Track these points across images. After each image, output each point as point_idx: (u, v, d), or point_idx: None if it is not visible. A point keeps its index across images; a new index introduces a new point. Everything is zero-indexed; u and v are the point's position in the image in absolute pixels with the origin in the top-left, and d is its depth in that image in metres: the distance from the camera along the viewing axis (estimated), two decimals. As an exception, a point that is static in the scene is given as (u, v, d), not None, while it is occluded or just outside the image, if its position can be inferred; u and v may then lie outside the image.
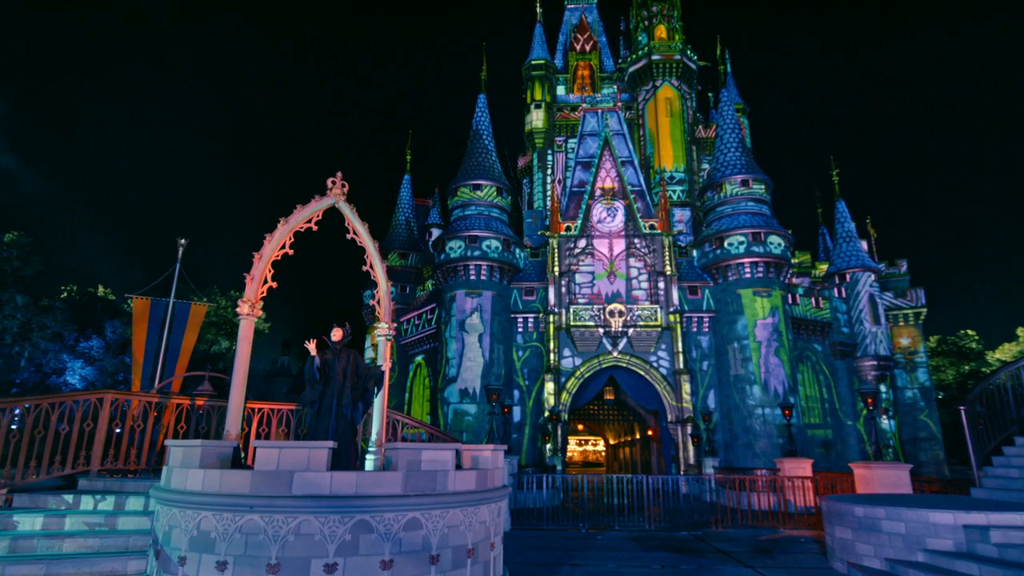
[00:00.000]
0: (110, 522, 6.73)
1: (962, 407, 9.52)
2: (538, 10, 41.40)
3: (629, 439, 40.12)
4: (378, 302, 9.12)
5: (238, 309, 7.91)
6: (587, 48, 41.54)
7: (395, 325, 9.35)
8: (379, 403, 8.67)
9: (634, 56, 38.93)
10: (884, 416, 30.73)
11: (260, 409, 10.58)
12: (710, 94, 43.46)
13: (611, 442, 47.96)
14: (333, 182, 9.04)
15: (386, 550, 5.20)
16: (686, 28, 40.12)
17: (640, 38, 39.51)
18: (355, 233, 9.14)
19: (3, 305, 33.48)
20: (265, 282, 8.29)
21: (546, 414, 25.07)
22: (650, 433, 29.85)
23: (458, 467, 6.65)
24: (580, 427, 49.38)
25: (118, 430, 8.88)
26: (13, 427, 7.60)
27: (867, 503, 8.69)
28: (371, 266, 9.17)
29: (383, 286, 9.18)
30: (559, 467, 21.69)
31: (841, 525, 8.82)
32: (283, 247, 8.47)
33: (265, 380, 63.20)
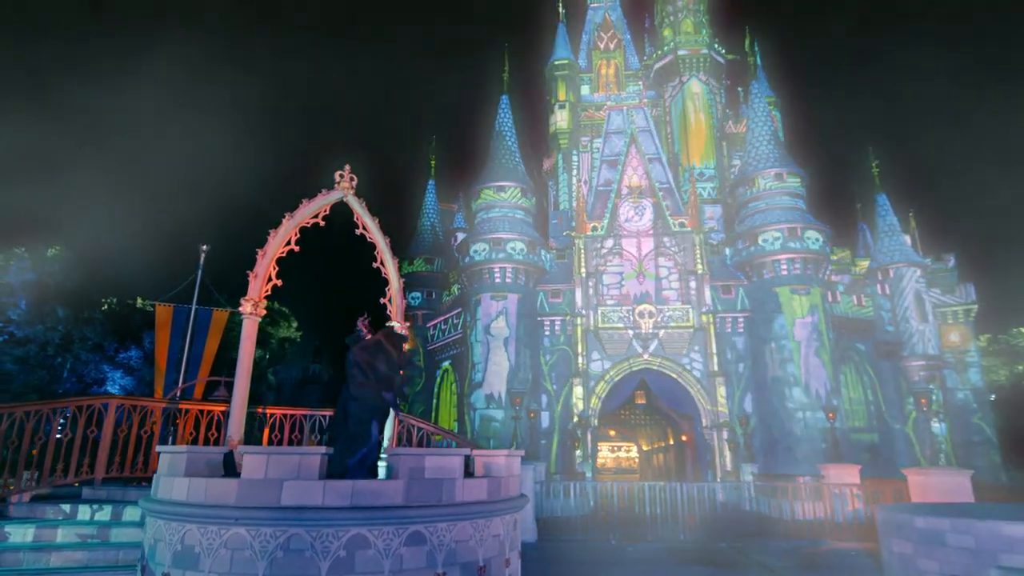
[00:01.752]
0: (103, 534, 6.37)
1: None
2: (560, 10, 40.85)
3: (662, 445, 38.99)
4: (389, 300, 8.67)
5: (240, 308, 7.55)
6: (611, 46, 40.77)
7: (408, 324, 8.88)
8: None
9: (659, 52, 37.99)
10: (935, 419, 29.05)
11: (292, 415, 10.21)
12: (740, 89, 42.17)
13: (644, 448, 46.77)
14: (341, 175, 8.63)
15: (385, 567, 4.66)
16: (713, 22, 39.04)
17: (665, 34, 38.57)
18: (364, 228, 8.72)
19: (45, 317, 34.41)
20: (269, 280, 7.92)
21: (575, 419, 24.34)
22: (684, 439, 28.80)
23: (470, 475, 6.08)
24: (612, 433, 48.32)
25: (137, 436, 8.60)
26: (57, 435, 7.34)
27: (929, 513, 7.82)
28: (381, 262, 8.73)
29: (394, 283, 8.73)
30: (588, 474, 20.93)
31: (900, 538, 7.95)
32: (288, 243, 8.10)
33: (297, 388, 63.74)
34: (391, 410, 6.99)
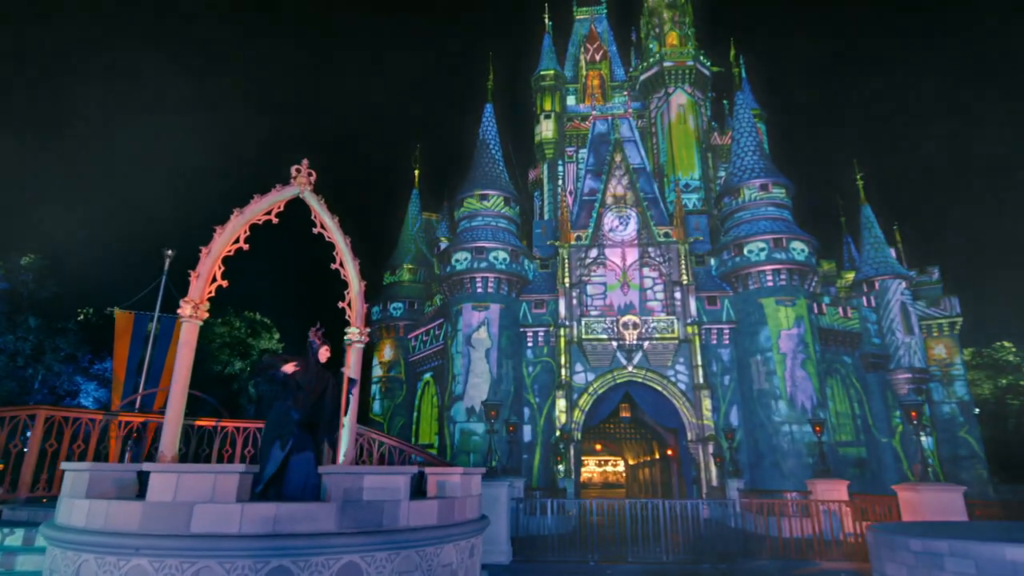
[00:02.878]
0: (8, 561, 5.66)
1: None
2: (547, 21, 40.79)
3: (649, 459, 38.36)
4: (348, 304, 8.06)
5: (179, 310, 6.92)
6: (597, 58, 40.71)
7: (368, 331, 8.24)
8: (348, 419, 7.54)
9: (645, 64, 37.98)
10: (923, 433, 28.72)
11: (246, 428, 9.44)
12: (725, 102, 42.25)
13: (630, 462, 46.11)
14: (298, 170, 8.05)
15: (312, 606, 4.02)
16: (699, 34, 39.16)
17: (651, 46, 38.61)
18: (323, 228, 8.11)
19: (16, 327, 33.26)
20: (214, 280, 7.29)
21: (557, 433, 23.69)
22: (670, 453, 28.21)
23: (422, 494, 5.46)
24: (598, 447, 47.60)
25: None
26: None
27: (924, 535, 7.29)
28: (341, 263, 8.12)
29: (354, 286, 8.12)
30: (570, 490, 20.25)
31: (893, 561, 7.41)
32: (237, 241, 7.48)
33: (275, 400, 62.37)
34: (317, 434, 6.47)
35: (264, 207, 7.69)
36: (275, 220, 7.77)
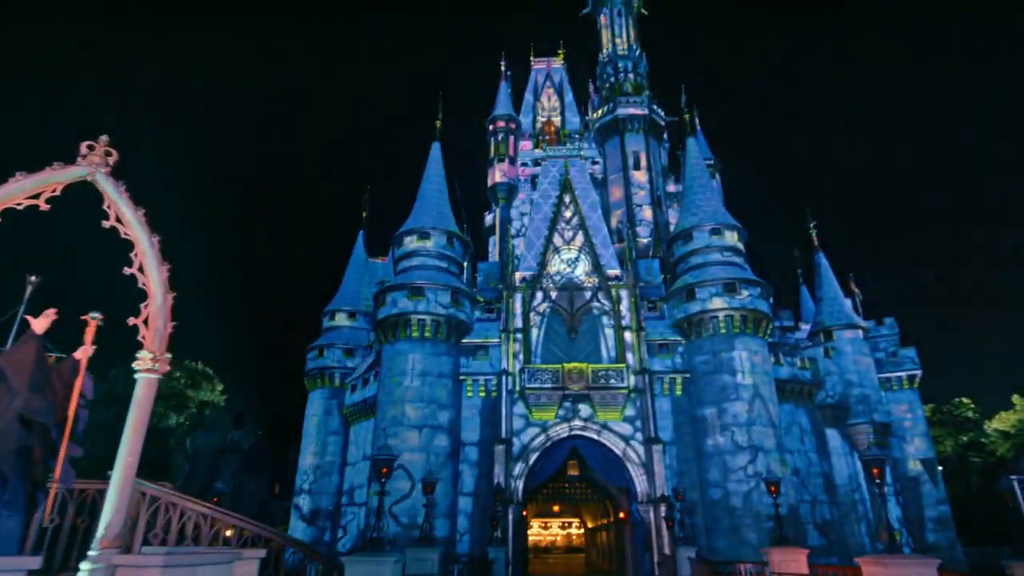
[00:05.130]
0: None
1: (1014, 476, 6.52)
2: (503, 68, 40.70)
3: (605, 522, 35.75)
4: (144, 321, 6.11)
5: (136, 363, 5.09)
6: (553, 105, 40.62)
7: (168, 357, 6.23)
8: (120, 467, 5.45)
9: (600, 112, 37.92)
10: (888, 492, 27.13)
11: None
12: (680, 153, 42.35)
13: (589, 525, 43.31)
14: (91, 146, 6.26)
15: None
16: (654, 85, 39.47)
17: (607, 94, 38.70)
18: (119, 219, 6.25)
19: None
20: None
21: (494, 494, 21.30)
22: (622, 516, 25.89)
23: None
24: (556, 508, 44.65)
25: None
26: None
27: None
28: (140, 268, 6.21)
29: (156, 298, 6.17)
30: (501, 563, 17.78)
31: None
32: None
33: (216, 457, 57.84)
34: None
35: (32, 187, 5.83)
36: (44, 206, 5.90)
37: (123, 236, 6.24)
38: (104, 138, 6.34)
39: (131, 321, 6.07)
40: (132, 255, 6.22)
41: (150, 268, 6.23)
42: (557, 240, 26.59)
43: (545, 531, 53.49)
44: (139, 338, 6.05)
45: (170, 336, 6.15)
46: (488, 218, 41.07)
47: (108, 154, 6.30)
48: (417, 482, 20.40)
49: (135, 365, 6.00)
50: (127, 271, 6.18)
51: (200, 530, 6.76)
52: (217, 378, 57.24)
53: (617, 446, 22.79)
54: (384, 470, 9.81)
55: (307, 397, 31.00)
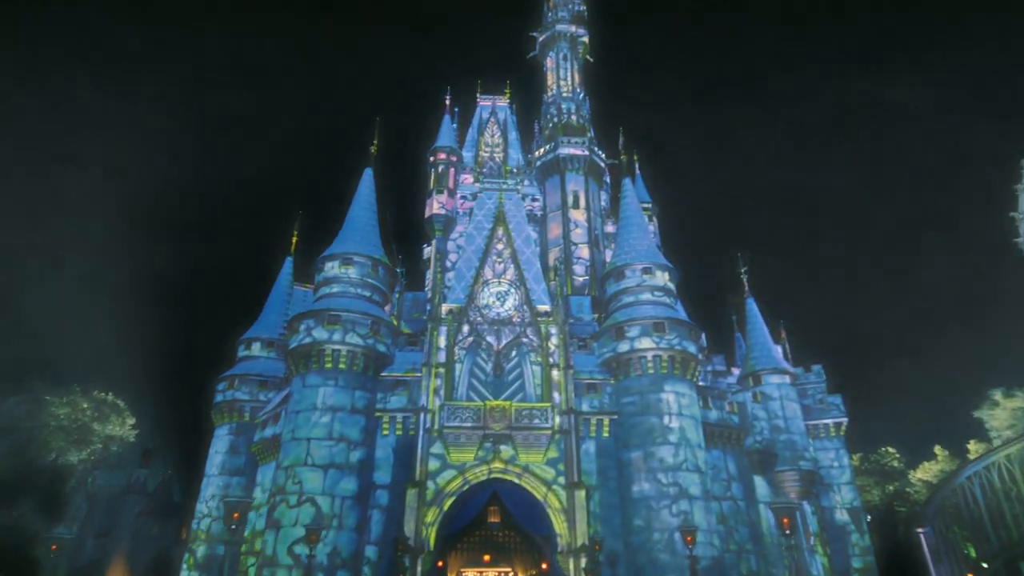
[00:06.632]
0: None
1: (921, 529, 5.74)
2: (447, 101, 40.43)
3: (535, 572, 33.86)
4: None
5: None
6: (496, 141, 40.48)
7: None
8: None
9: (542, 151, 38.07)
10: (815, 540, 26.68)
11: None
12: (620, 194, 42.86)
13: (519, 576, 41.10)
14: None
15: None
16: (597, 128, 40.06)
17: (549, 134, 39.00)
18: None
19: None
20: None
21: (402, 544, 19.54)
22: (544, 567, 24.37)
23: None
24: (487, 558, 42.28)
25: None
26: None
27: None
28: None
29: None
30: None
31: None
32: None
33: (117, 498, 52.62)
34: None
35: None
36: None
37: None
38: None
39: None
40: None
41: None
42: (488, 273, 25.74)
43: (484, 582, 50.65)
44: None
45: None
46: (426, 250, 40.06)
47: None
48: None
49: None
50: None
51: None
52: (128, 411, 52.75)
53: (539, 491, 21.54)
54: (235, 515, 8.31)
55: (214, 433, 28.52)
